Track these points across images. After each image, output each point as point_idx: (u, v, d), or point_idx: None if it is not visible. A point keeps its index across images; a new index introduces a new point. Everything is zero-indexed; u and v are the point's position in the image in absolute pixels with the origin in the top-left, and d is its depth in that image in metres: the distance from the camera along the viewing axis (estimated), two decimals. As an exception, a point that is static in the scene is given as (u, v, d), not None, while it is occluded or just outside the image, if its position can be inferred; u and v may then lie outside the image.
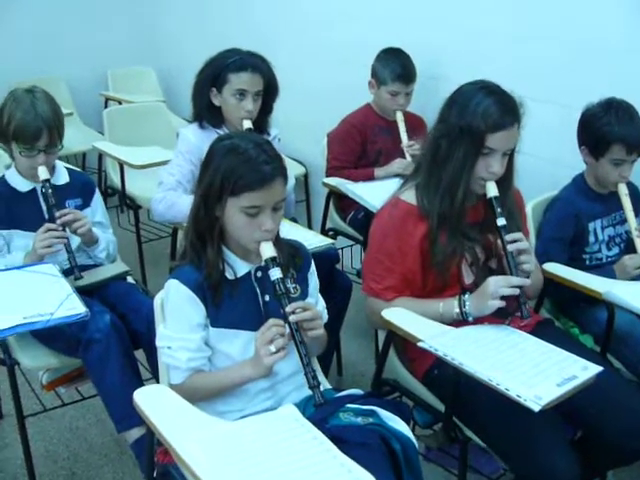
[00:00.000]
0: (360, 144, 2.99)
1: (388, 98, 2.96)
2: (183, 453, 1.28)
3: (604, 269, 2.22)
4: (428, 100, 3.13)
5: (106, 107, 4.43)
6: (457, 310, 1.81)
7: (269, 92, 2.48)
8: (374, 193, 2.67)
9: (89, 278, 2.16)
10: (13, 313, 1.73)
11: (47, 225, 2.09)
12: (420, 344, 1.67)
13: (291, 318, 1.50)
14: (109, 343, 1.94)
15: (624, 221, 2.28)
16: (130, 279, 2.32)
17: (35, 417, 2.25)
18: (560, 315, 2.29)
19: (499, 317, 1.83)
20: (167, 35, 4.93)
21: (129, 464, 2.34)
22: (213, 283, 1.56)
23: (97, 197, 2.34)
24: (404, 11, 3.21)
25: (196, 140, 2.46)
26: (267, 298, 1.62)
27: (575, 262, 2.22)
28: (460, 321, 1.81)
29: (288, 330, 1.51)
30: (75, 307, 1.78)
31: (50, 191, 2.13)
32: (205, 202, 1.55)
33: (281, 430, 1.37)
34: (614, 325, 2.05)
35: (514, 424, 1.65)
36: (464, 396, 1.73)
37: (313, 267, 1.74)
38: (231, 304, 1.58)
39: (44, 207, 2.19)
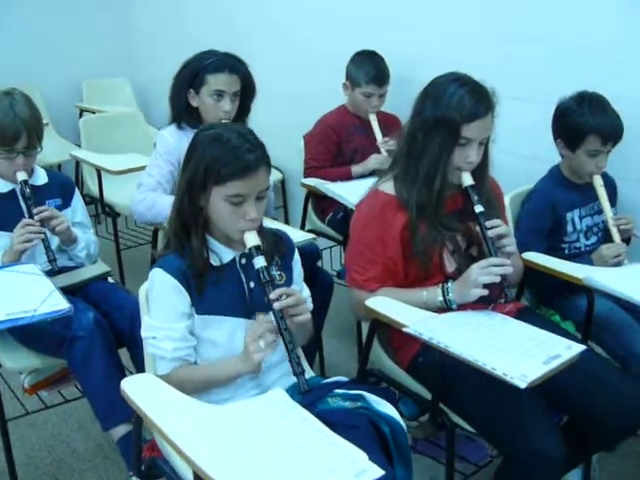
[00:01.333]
0: (336, 143, 3.02)
1: (362, 100, 3.00)
2: (175, 438, 1.26)
3: (583, 258, 2.26)
4: (402, 102, 3.17)
5: (80, 118, 4.41)
6: (440, 298, 1.82)
7: (246, 93, 2.50)
8: (353, 191, 2.68)
9: (70, 278, 2.14)
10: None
11: (24, 220, 2.08)
12: (405, 329, 1.69)
13: (275, 305, 1.51)
14: (93, 340, 1.92)
15: (601, 210, 2.32)
16: (111, 279, 2.30)
17: (15, 424, 2.20)
18: (540, 305, 2.33)
19: (482, 303, 1.85)
20: (142, 47, 4.94)
21: (113, 469, 2.31)
22: (198, 270, 1.56)
23: (77, 197, 2.33)
24: (379, 14, 3.26)
25: (174, 141, 2.47)
26: (252, 285, 1.63)
27: (554, 252, 2.25)
28: (444, 309, 1.83)
29: (273, 318, 1.51)
30: (58, 303, 1.76)
31: (29, 190, 2.12)
32: (189, 191, 1.55)
33: (271, 412, 1.37)
34: (594, 312, 2.08)
35: (502, 407, 1.67)
36: (450, 382, 1.75)
37: (297, 255, 1.75)
38: (216, 291, 1.58)
39: (24, 207, 2.17)
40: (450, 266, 1.92)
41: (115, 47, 4.90)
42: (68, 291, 2.00)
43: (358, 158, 3.01)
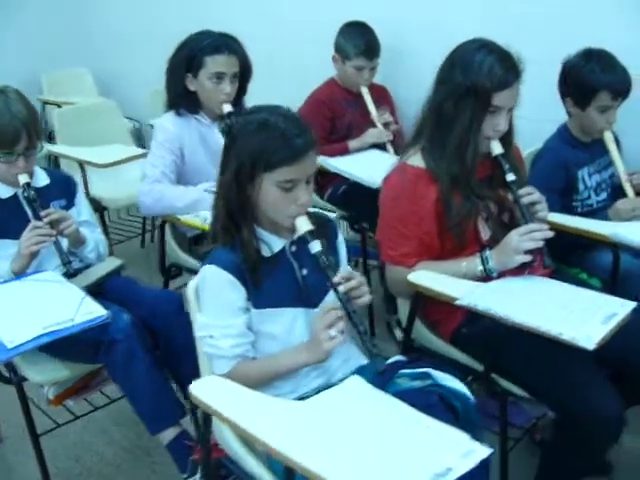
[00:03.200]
0: (329, 119, 2.97)
1: (353, 73, 2.94)
2: (267, 438, 1.21)
3: (597, 215, 2.28)
4: (392, 72, 3.15)
5: (43, 111, 4.22)
6: (480, 267, 1.82)
7: (243, 73, 2.42)
8: (358, 165, 2.66)
9: (86, 279, 2.05)
10: (30, 324, 1.62)
11: (33, 223, 1.97)
12: (458, 302, 1.68)
13: (340, 289, 1.47)
14: (132, 343, 1.84)
15: (607, 166, 2.35)
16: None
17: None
18: (562, 265, 2.34)
19: (519, 269, 1.85)
20: (101, 34, 4.75)
21: (144, 472, 2.25)
22: (251, 263, 1.51)
23: (80, 195, 2.23)
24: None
25: (175, 128, 2.38)
26: (305, 272, 1.58)
27: (567, 210, 2.26)
28: (483, 278, 1.82)
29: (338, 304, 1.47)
30: (94, 310, 1.69)
31: (33, 193, 2.00)
32: (237, 181, 1.49)
33: (357, 402, 1.34)
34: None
35: (556, 368, 1.69)
36: (499, 349, 1.75)
37: (341, 236, 1.71)
38: (270, 282, 1.53)
39: (29, 212, 2.06)
40: (485, 234, 1.91)
41: (73, 36, 4.70)
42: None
43: (354, 133, 2.97)
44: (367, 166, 2.62)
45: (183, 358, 1.91)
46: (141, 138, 4.04)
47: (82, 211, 2.21)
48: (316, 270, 1.54)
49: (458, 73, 1.79)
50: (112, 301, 1.98)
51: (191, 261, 2.49)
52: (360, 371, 1.57)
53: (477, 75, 1.75)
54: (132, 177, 3.15)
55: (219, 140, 2.44)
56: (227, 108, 2.36)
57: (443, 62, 1.88)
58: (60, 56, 4.62)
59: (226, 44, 2.34)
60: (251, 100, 2.37)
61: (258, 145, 1.45)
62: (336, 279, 1.47)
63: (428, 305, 1.92)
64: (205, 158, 2.42)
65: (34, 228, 1.95)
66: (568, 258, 2.32)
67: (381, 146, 2.92)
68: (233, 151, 1.50)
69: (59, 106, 4.05)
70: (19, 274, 1.98)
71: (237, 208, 1.51)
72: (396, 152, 2.92)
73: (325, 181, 2.94)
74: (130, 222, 3.50)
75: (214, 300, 1.52)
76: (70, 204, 2.17)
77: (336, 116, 2.97)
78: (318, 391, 1.51)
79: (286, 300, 1.55)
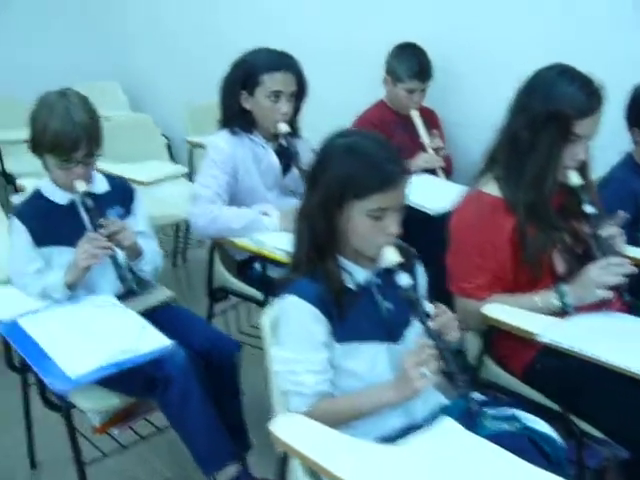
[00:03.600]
0: (380, 142, 2.88)
1: (404, 95, 2.88)
2: None
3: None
4: (440, 94, 3.07)
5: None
6: (557, 302, 1.75)
7: (299, 92, 2.35)
8: (416, 191, 2.57)
9: (133, 306, 1.94)
10: (92, 354, 1.53)
11: (89, 234, 1.89)
12: (539, 338, 1.62)
13: (432, 325, 1.38)
14: (188, 380, 1.75)
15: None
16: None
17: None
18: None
19: (596, 304, 1.77)
20: (128, 48, 4.71)
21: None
22: (336, 295, 1.43)
23: (138, 203, 2.13)
24: (412, 5, 3.13)
25: (229, 148, 2.30)
26: (389, 305, 1.50)
27: (634, 242, 2.17)
28: (559, 312, 1.74)
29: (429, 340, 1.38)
30: (157, 339, 1.60)
31: (91, 202, 1.92)
32: (324, 208, 1.41)
33: (453, 446, 1.25)
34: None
35: (634, 408, 1.60)
36: (577, 387, 1.67)
37: (421, 267, 1.62)
38: (354, 315, 1.45)
39: (86, 219, 1.98)
40: (560, 267, 1.83)
41: (101, 49, 4.67)
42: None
43: (404, 157, 2.87)
44: (425, 192, 2.53)
45: (228, 404, 1.89)
46: (173, 154, 3.97)
47: (139, 221, 2.11)
48: (399, 303, 1.48)
49: (538, 100, 1.73)
50: (163, 330, 1.90)
51: (240, 285, 2.41)
52: (445, 411, 1.48)
53: (559, 102, 1.69)
54: (166, 195, 3.08)
55: (273, 161, 2.37)
56: (284, 128, 2.29)
57: (520, 88, 1.82)
58: (90, 69, 4.57)
59: (284, 62, 2.27)
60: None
61: (348, 171, 1.38)
62: (428, 315, 1.38)
63: (497, 339, 1.84)
64: (259, 179, 2.35)
65: (91, 240, 1.87)
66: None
67: (430, 171, 2.84)
68: (321, 176, 1.42)
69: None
70: (72, 286, 1.90)
71: (322, 236, 1.44)
72: (447, 178, 2.86)
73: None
74: (162, 241, 3.41)
75: (296, 333, 1.44)
76: (127, 212, 2.09)
77: (386, 138, 2.88)
78: (400, 432, 1.44)
79: (369, 334, 1.47)
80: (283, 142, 2.40)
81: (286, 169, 2.41)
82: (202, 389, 1.79)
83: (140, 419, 2.04)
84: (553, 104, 1.69)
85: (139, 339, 1.59)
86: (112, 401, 1.85)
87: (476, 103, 3.07)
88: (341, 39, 3.45)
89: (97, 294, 1.87)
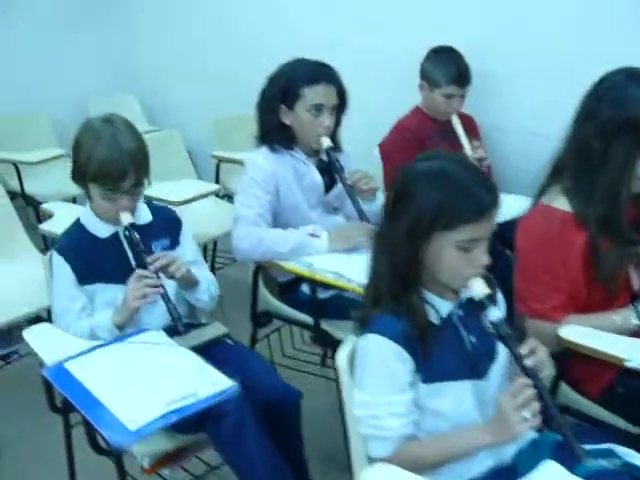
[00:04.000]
0: (417, 150, 2.76)
1: (442, 101, 2.75)
2: None
3: None
4: (475, 97, 2.94)
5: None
6: (636, 321, 1.63)
7: (340, 105, 2.22)
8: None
9: (185, 342, 1.82)
10: (151, 401, 1.41)
11: (139, 272, 1.79)
12: (628, 364, 1.51)
13: (528, 363, 1.26)
14: (243, 416, 1.63)
15: None
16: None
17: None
18: None
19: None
20: (145, 61, 4.60)
21: None
22: (421, 331, 1.31)
23: (185, 233, 2.02)
24: (444, 7, 3.02)
25: (270, 166, 2.18)
26: (473, 339, 1.39)
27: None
28: (637, 332, 1.64)
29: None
30: (219, 380, 1.47)
31: (137, 237, 1.82)
32: (410, 239, 1.30)
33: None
34: None
35: None
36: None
37: (501, 295, 1.50)
38: (439, 352, 1.34)
39: (129, 253, 1.88)
40: (637, 283, 1.73)
41: (116, 62, 4.55)
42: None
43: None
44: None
45: (288, 446, 1.78)
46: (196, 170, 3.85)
47: (188, 250, 2.01)
48: (481, 335, 1.38)
49: (607, 106, 1.62)
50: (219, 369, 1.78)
51: (286, 309, 2.30)
52: (534, 447, 1.37)
53: (630, 107, 1.59)
54: (195, 214, 2.96)
55: (316, 177, 2.26)
56: (326, 142, 2.17)
57: (586, 96, 1.71)
58: (104, 82, 4.47)
59: (324, 73, 2.16)
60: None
61: (439, 200, 1.27)
62: (523, 351, 1.27)
63: (572, 361, 1.72)
64: (302, 197, 2.23)
65: (141, 278, 1.77)
66: None
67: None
68: (406, 204, 1.30)
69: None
70: (122, 327, 1.79)
71: (406, 268, 1.32)
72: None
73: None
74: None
75: (379, 374, 1.32)
76: (174, 243, 1.98)
77: (424, 147, 2.76)
78: (490, 474, 1.35)
79: (455, 372, 1.36)
80: (324, 157, 2.29)
81: (328, 186, 2.30)
82: (258, 422, 1.67)
83: (192, 457, 1.93)
84: (624, 109, 1.59)
85: (200, 382, 1.47)
86: (165, 444, 1.74)
87: (514, 108, 2.95)
88: (374, 44, 3.31)
89: (144, 329, 1.75)
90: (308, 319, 2.21)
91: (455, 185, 1.27)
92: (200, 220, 2.96)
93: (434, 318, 1.35)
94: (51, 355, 1.63)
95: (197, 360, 1.56)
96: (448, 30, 2.96)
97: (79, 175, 1.80)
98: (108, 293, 1.84)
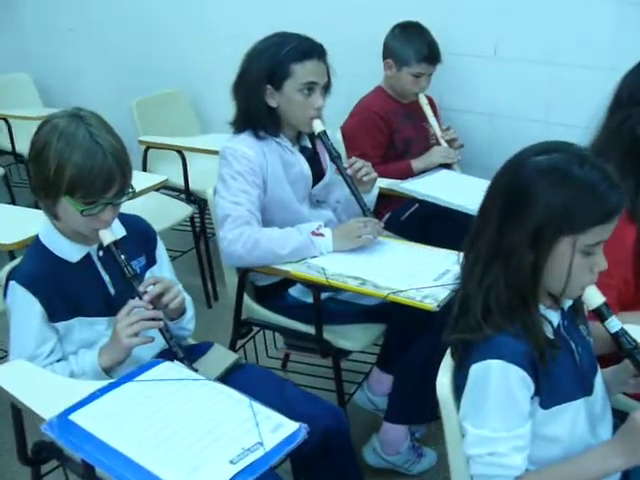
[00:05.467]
0: (387, 135, 2.58)
1: (410, 80, 2.59)
2: None
3: None
4: (443, 78, 2.79)
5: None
6: None
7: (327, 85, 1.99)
8: (440, 187, 2.31)
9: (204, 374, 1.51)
10: (206, 458, 1.13)
11: (132, 303, 1.47)
12: None
13: None
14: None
15: None
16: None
17: None
18: None
19: None
20: (40, 34, 4.04)
21: None
22: (542, 350, 1.14)
23: (160, 248, 1.71)
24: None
25: (256, 155, 1.91)
26: (579, 349, 1.25)
27: None
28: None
29: None
30: (281, 424, 1.20)
31: (124, 257, 1.49)
32: (533, 247, 1.12)
33: None
34: None
35: None
36: None
37: None
38: (556, 371, 1.17)
39: (106, 278, 1.54)
40: None
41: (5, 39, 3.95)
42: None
43: (414, 149, 2.60)
44: (455, 190, 2.27)
45: None
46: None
47: (165, 269, 1.70)
48: (585, 347, 1.26)
49: None
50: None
51: (268, 315, 2.04)
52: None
53: None
54: (133, 211, 2.61)
55: (305, 168, 2.01)
56: (319, 126, 1.94)
57: (625, 78, 1.59)
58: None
59: (315, 48, 1.91)
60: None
61: (565, 201, 1.11)
62: None
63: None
64: (289, 189, 1.97)
65: (133, 310, 1.45)
66: None
67: (444, 166, 2.58)
68: (525, 207, 1.12)
69: (6, 120, 3.37)
70: (110, 370, 1.48)
71: (527, 280, 1.13)
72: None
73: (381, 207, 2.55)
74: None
75: (503, 406, 1.13)
76: (151, 261, 1.66)
77: (393, 130, 2.59)
78: None
79: (573, 391, 1.21)
80: (309, 144, 2.05)
81: (316, 176, 2.05)
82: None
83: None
84: None
85: (257, 426, 1.19)
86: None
87: (471, 88, 2.84)
88: (330, 21, 3.06)
89: (155, 361, 1.42)
90: (303, 327, 1.98)
91: (580, 183, 1.11)
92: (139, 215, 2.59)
93: (548, 332, 1.18)
94: (45, 406, 1.28)
95: (240, 397, 1.28)
96: (406, 11, 2.76)
97: (46, 189, 1.42)
98: (86, 329, 1.52)
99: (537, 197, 1.11)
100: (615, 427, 1.27)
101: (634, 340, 1.19)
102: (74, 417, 1.24)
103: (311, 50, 1.88)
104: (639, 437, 1.10)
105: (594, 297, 1.19)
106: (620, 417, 1.63)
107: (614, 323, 1.18)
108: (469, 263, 1.19)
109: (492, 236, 1.15)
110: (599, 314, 1.19)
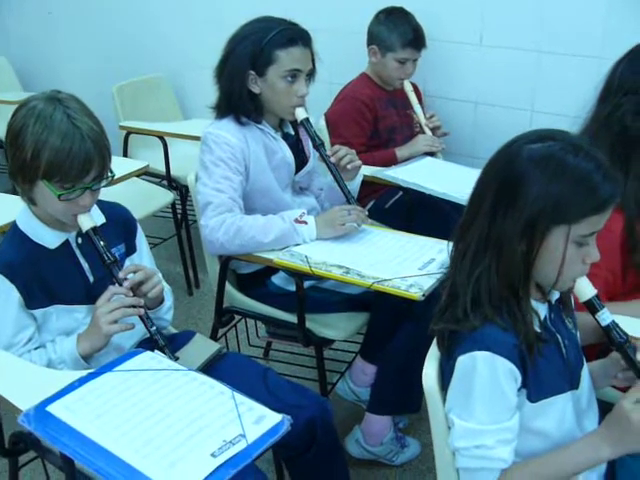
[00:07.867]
0: (371, 122, 2.56)
1: (395, 67, 2.56)
2: None
3: None
4: (428, 65, 2.77)
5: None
6: None
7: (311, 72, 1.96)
8: (424, 175, 2.30)
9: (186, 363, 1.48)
10: (187, 451, 1.11)
11: (112, 290, 1.45)
12: None
13: None
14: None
15: None
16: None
17: None
18: None
19: None
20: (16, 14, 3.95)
21: None
22: (530, 342, 1.13)
23: (140, 235, 1.68)
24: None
25: (238, 142, 1.88)
26: (566, 342, 1.24)
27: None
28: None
29: None
30: (264, 416, 1.19)
31: (103, 244, 1.46)
32: (526, 237, 1.11)
33: None
34: None
35: None
36: None
37: None
38: (544, 365, 1.16)
39: (85, 265, 1.52)
40: None
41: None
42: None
43: (398, 137, 2.58)
44: (439, 178, 2.25)
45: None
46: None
47: (145, 258, 1.67)
48: (571, 339, 1.24)
49: None
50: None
51: (250, 303, 2.02)
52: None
53: None
54: (113, 197, 2.58)
55: (287, 155, 1.98)
56: (302, 114, 1.91)
57: (618, 67, 1.58)
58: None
59: (300, 34, 1.87)
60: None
61: (559, 191, 1.09)
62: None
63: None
64: (272, 177, 1.95)
65: (114, 296, 1.43)
66: None
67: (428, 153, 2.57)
68: (518, 196, 1.10)
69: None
70: (88, 357, 1.46)
71: (519, 270, 1.12)
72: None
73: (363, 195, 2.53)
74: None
75: (490, 398, 1.12)
76: (130, 249, 1.64)
77: (378, 118, 2.56)
78: None
79: (560, 384, 1.20)
80: (291, 131, 2.02)
81: (299, 163, 2.03)
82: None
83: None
84: None
85: (239, 418, 1.18)
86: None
87: (457, 75, 2.83)
88: (313, 6, 3.02)
89: (135, 351, 1.39)
90: (285, 315, 1.96)
91: (574, 173, 1.09)
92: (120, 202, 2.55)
93: (535, 325, 1.17)
94: (21, 396, 1.25)
95: (222, 388, 1.26)
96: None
97: (23, 173, 1.38)
98: (65, 317, 1.49)
99: (531, 187, 1.09)
100: (601, 420, 1.27)
101: (625, 333, 1.18)
102: (52, 408, 1.21)
103: (296, 36, 1.85)
104: (626, 425, 1.09)
105: (585, 289, 1.18)
106: (606, 409, 1.65)
107: (605, 316, 1.18)
108: (459, 253, 1.17)
109: (483, 225, 1.13)
110: (590, 306, 1.18)
